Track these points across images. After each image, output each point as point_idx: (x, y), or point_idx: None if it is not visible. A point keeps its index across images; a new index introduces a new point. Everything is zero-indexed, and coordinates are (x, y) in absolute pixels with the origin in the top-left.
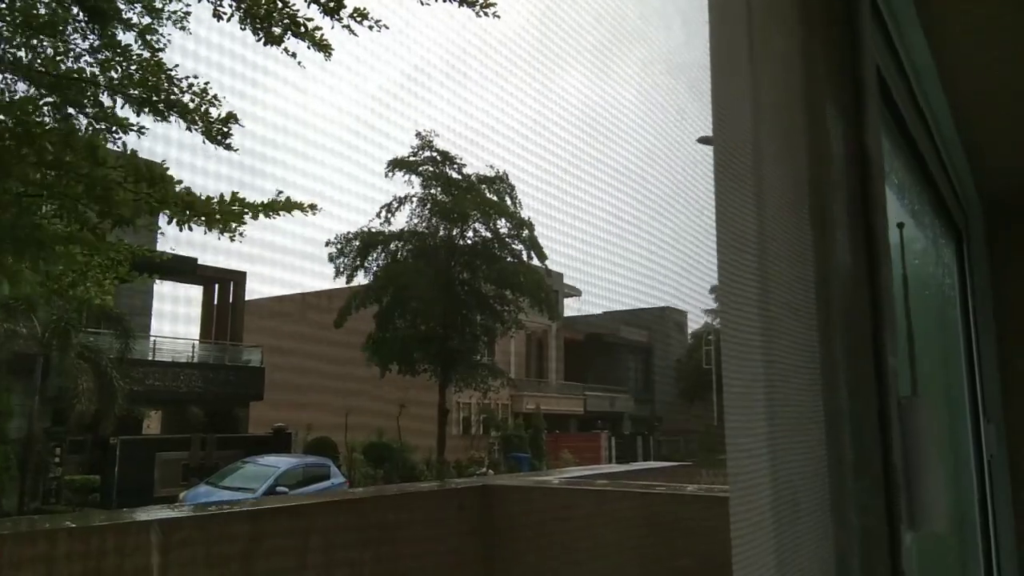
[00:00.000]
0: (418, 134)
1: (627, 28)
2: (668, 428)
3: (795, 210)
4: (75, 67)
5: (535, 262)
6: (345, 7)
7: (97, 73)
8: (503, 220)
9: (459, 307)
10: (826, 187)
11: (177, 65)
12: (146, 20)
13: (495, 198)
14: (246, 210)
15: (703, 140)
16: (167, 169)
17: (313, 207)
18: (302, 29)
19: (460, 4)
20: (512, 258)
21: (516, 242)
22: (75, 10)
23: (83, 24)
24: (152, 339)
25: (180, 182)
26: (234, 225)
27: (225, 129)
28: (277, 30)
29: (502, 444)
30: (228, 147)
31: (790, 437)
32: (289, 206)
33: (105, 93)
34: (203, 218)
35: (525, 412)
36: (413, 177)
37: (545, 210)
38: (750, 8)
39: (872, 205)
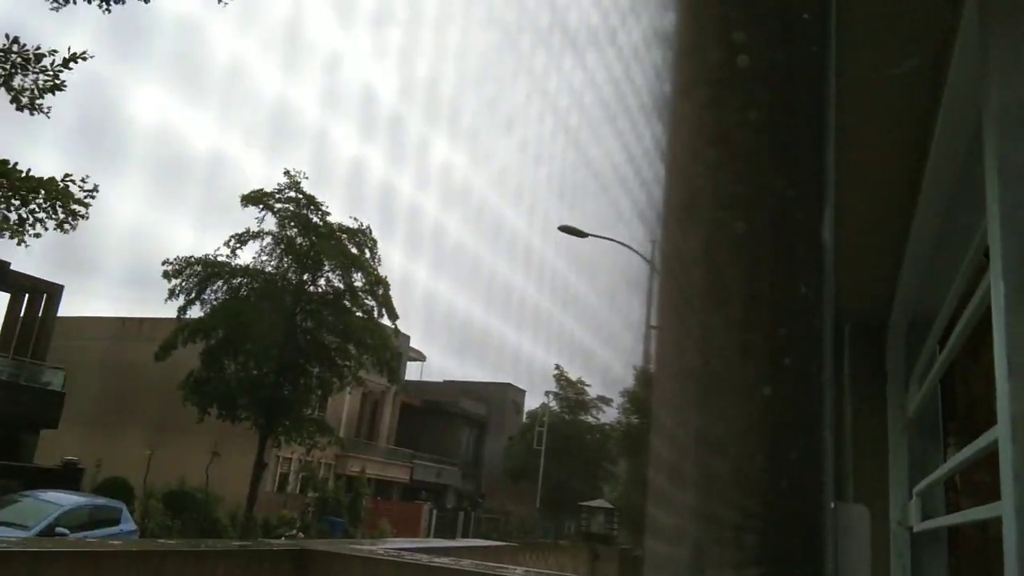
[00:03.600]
0: (286, 172)
1: (501, 114)
2: (490, 505)
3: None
4: None
5: (385, 321)
6: None
7: None
8: (359, 273)
9: (297, 355)
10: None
11: None
12: None
13: (355, 250)
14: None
15: (564, 229)
16: None
17: (83, 204)
18: None
19: None
20: (362, 313)
21: (368, 298)
22: None
23: None
24: None
25: None
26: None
27: (57, 81)
28: None
29: (318, 506)
30: (36, 109)
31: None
32: (60, 195)
33: None
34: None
35: (349, 474)
36: (269, 215)
37: (401, 269)
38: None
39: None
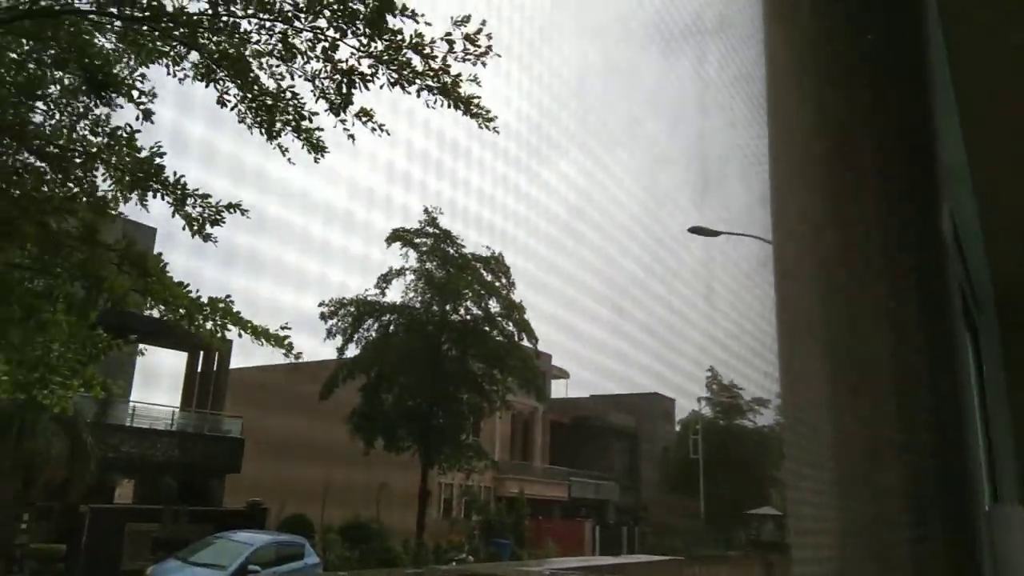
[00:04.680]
0: (425, 209)
1: (618, 122)
2: (653, 519)
3: (858, 306)
4: (76, 138)
5: (525, 343)
6: (352, 104)
7: (100, 150)
8: (495, 300)
9: (446, 384)
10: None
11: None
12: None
13: (490, 278)
14: (231, 323)
15: (695, 230)
16: (163, 264)
17: (290, 347)
18: (302, 128)
19: (464, 113)
20: (503, 337)
21: (507, 322)
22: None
23: (86, 99)
24: (131, 404)
25: (165, 265)
26: (213, 330)
27: (218, 217)
28: (278, 125)
29: (483, 529)
30: (206, 238)
31: (862, 546)
32: (272, 339)
33: (100, 171)
34: (184, 314)
35: (508, 496)
36: (411, 251)
37: (536, 293)
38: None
39: (945, 302)
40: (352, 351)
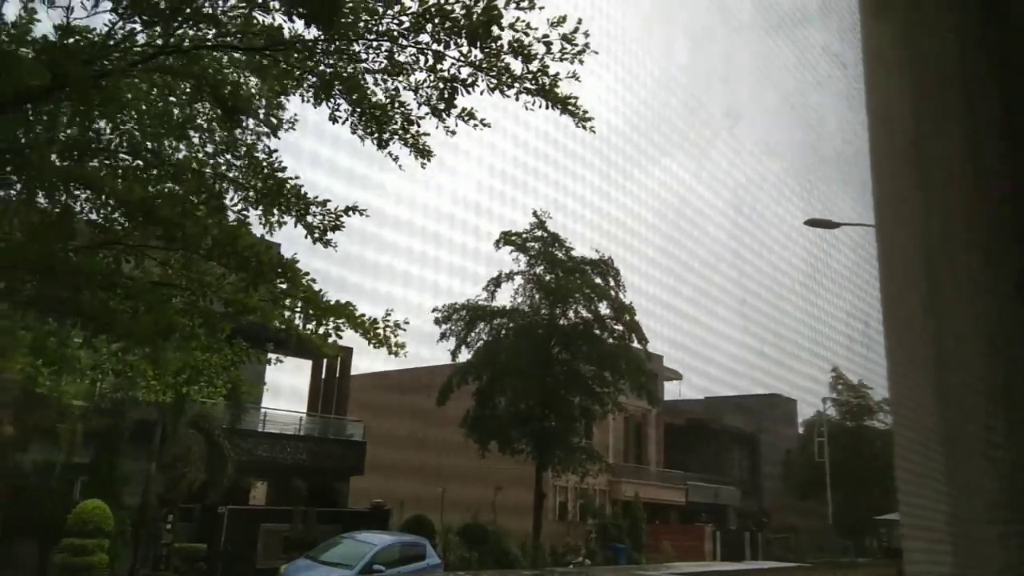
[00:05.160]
0: (534, 212)
1: (718, 118)
2: (777, 525)
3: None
4: (210, 162)
5: (636, 345)
6: (456, 107)
7: (232, 171)
8: (604, 303)
9: (557, 387)
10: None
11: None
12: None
13: (599, 280)
14: (352, 325)
15: (812, 223)
16: (299, 267)
17: (401, 347)
18: (409, 135)
19: (562, 113)
20: (613, 340)
21: (617, 324)
22: (209, 107)
23: (216, 124)
24: (263, 410)
25: (307, 275)
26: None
27: (338, 223)
28: (386, 135)
29: (599, 533)
30: (327, 243)
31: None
32: (382, 342)
33: (230, 189)
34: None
35: (623, 499)
36: (520, 255)
37: (645, 295)
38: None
39: None
40: (464, 355)
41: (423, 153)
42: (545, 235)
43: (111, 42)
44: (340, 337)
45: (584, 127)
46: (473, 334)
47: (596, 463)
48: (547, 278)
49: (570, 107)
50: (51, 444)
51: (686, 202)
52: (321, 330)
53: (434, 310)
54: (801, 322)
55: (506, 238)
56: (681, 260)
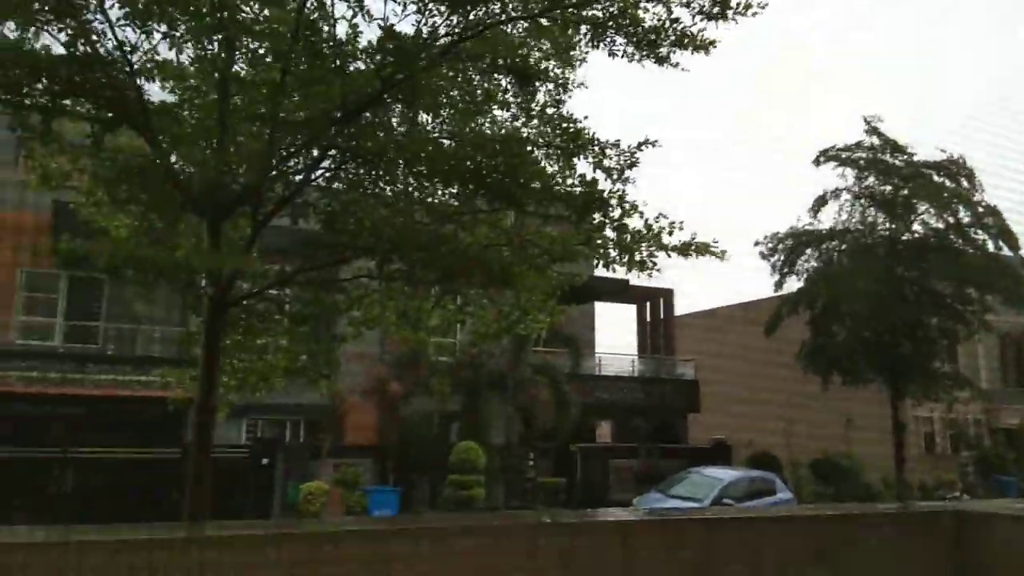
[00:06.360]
0: (864, 118)
1: None
2: None
3: None
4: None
5: (1005, 252)
6: (731, 6)
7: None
8: (961, 208)
9: (908, 310)
10: None
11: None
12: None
13: (949, 183)
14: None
15: None
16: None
17: (724, 252)
18: (687, 38)
19: None
20: (973, 250)
21: (978, 231)
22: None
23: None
24: (597, 356)
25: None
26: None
27: (634, 159)
28: (662, 51)
29: (978, 465)
30: (625, 181)
31: None
32: (702, 249)
33: (533, 149)
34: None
35: (1005, 427)
36: (846, 170)
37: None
38: None
39: None
40: (794, 284)
41: (703, 48)
42: (877, 143)
43: (421, 40)
44: (654, 265)
45: None
46: (800, 261)
47: (965, 389)
48: (884, 189)
49: None
50: (427, 396)
51: None
52: (637, 257)
53: (756, 243)
54: None
55: (827, 155)
56: None
